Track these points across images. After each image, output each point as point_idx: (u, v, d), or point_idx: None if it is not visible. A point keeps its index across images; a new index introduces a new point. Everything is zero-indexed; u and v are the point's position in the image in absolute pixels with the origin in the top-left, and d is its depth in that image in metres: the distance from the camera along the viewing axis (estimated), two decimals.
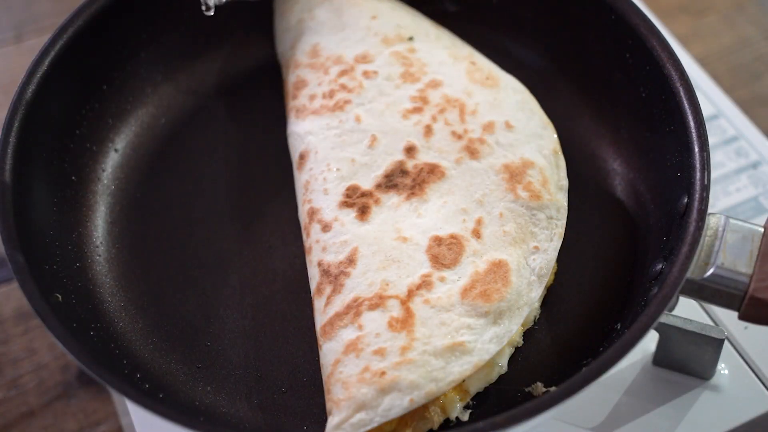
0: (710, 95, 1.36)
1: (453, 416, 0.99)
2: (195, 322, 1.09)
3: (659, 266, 1.01)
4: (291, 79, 1.24)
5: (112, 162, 1.21)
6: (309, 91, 1.20)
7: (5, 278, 1.29)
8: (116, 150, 1.21)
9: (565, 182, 1.12)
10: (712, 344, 1.03)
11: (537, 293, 1.03)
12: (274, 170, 1.22)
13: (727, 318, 1.13)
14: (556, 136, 1.15)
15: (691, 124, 1.03)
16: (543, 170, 1.10)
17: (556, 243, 1.03)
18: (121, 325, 1.08)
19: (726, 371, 1.08)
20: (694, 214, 0.97)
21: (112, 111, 1.22)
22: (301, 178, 1.14)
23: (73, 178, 1.15)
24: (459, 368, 0.95)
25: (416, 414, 0.97)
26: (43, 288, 0.97)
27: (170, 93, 1.28)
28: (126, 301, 1.10)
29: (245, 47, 1.33)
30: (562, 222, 1.08)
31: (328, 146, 1.13)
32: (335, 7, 1.26)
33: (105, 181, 1.19)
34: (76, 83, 1.16)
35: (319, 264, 1.06)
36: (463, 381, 0.98)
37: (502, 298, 1.00)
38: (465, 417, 0.99)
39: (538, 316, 1.07)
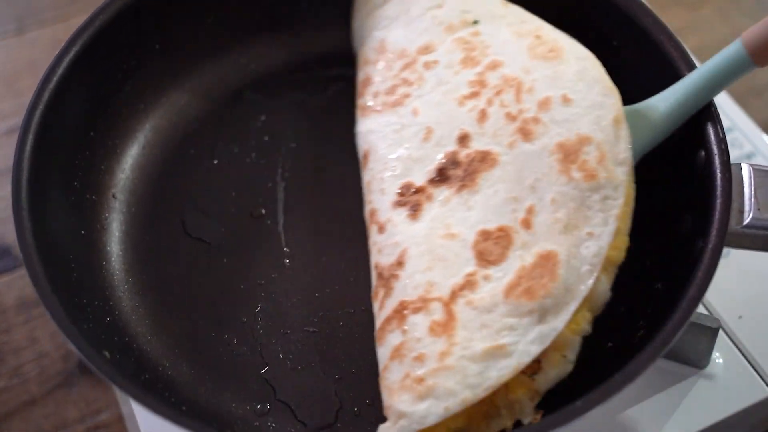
0: None
1: (526, 420, 0.93)
2: (203, 328, 1.10)
3: (687, 223, 1.00)
4: (360, 76, 1.21)
5: (125, 167, 1.19)
6: (374, 89, 1.17)
7: (7, 268, 1.30)
8: (130, 155, 1.20)
9: (626, 154, 1.01)
10: (706, 333, 1.04)
11: (589, 284, 0.95)
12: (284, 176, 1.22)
13: (722, 307, 1.13)
14: (619, 101, 1.05)
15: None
16: (600, 145, 1.00)
17: (612, 227, 0.95)
18: (132, 325, 1.09)
19: (720, 360, 1.09)
20: (718, 165, 0.95)
21: (124, 114, 1.20)
22: (364, 177, 1.12)
23: (77, 182, 1.13)
24: (497, 373, 0.90)
25: (483, 412, 0.95)
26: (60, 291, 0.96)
27: (184, 98, 1.26)
28: (133, 295, 1.11)
29: (256, 50, 1.30)
30: (620, 201, 0.98)
31: (385, 144, 1.11)
32: (403, 1, 1.23)
33: (119, 185, 1.18)
34: (88, 90, 1.14)
35: (376, 266, 1.04)
36: (533, 380, 0.94)
37: (548, 294, 0.93)
38: (537, 417, 0.94)
39: (608, 299, 0.98)
